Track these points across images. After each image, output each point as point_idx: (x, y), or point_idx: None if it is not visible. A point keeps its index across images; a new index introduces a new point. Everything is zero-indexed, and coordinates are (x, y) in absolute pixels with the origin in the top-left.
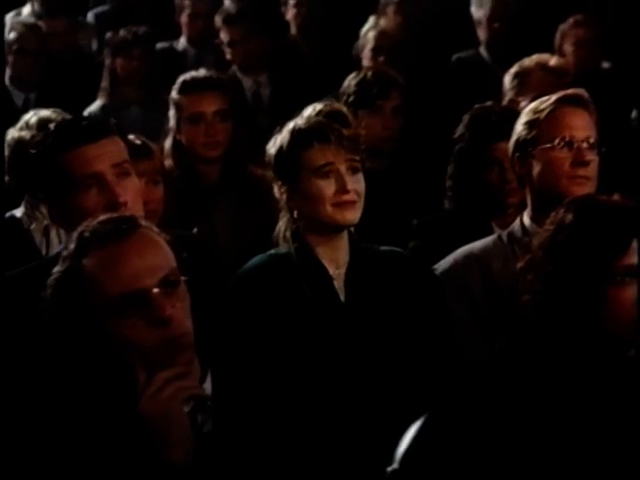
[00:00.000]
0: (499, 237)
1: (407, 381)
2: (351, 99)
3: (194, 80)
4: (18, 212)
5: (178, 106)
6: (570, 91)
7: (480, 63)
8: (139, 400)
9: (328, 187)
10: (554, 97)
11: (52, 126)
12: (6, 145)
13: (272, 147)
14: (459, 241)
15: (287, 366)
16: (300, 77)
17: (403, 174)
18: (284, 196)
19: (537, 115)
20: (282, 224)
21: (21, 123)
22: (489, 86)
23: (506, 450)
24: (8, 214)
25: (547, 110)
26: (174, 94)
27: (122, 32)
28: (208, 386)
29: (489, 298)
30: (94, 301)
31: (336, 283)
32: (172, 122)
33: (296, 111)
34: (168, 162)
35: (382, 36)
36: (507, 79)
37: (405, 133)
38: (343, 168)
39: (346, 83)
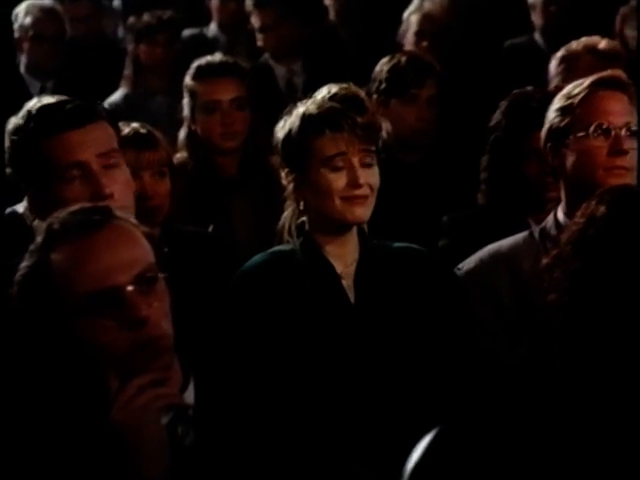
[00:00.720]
0: (530, 234)
1: (422, 393)
2: (383, 87)
3: (209, 65)
4: (20, 207)
5: (192, 93)
6: (606, 73)
7: (535, 50)
8: (111, 409)
9: (338, 180)
10: (589, 80)
11: (34, 110)
12: (6, 135)
13: (280, 130)
14: (492, 239)
15: (289, 373)
16: (338, 65)
17: (438, 169)
18: (291, 185)
19: (570, 101)
20: (287, 216)
21: (23, 111)
22: (544, 75)
23: (522, 470)
24: (9, 210)
25: (581, 95)
26: (188, 80)
27: (146, 16)
28: (190, 394)
29: (518, 301)
30: (63, 300)
31: (344, 282)
32: (186, 111)
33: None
34: (183, 154)
35: (426, 19)
36: (553, 64)
37: (441, 125)
38: (356, 160)
39: (378, 68)
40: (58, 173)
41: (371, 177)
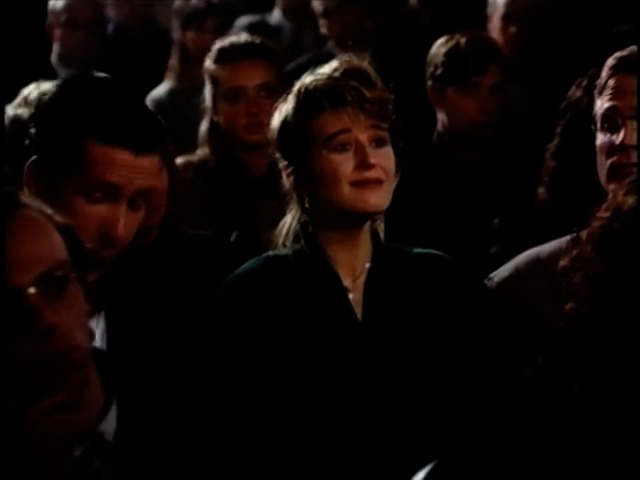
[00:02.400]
0: (576, 237)
1: (440, 430)
2: (438, 72)
3: (233, 46)
4: None
5: (214, 79)
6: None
7: None
8: (8, 436)
9: (345, 162)
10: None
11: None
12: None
13: (276, 119)
14: None
15: (282, 403)
16: (415, 56)
17: (501, 169)
18: (291, 180)
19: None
20: (289, 219)
21: (19, 99)
22: None
23: None
24: None
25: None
26: (209, 64)
27: (194, 0)
28: (112, 420)
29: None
30: None
31: (352, 296)
32: (208, 100)
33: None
34: (204, 150)
35: (515, 2)
36: None
37: (507, 118)
38: (364, 137)
39: (433, 51)
40: None
41: (385, 158)
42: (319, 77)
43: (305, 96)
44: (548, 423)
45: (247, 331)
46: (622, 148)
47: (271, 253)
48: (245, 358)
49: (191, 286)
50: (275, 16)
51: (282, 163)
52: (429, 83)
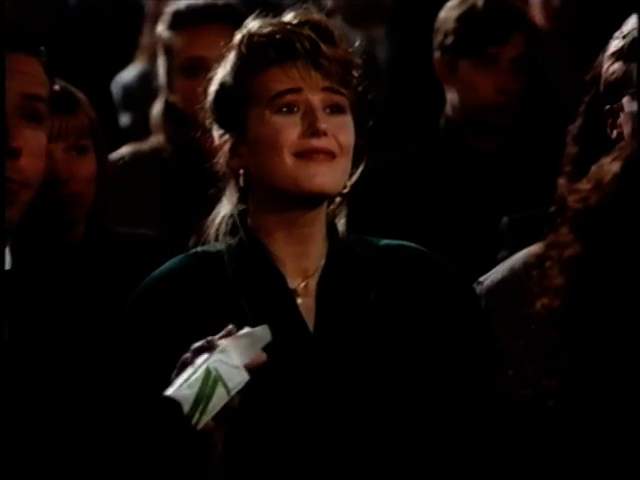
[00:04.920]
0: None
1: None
2: (448, 42)
3: (190, 9)
4: None
5: (168, 49)
6: None
7: None
8: None
9: (290, 126)
10: None
11: None
12: None
13: (214, 81)
14: None
15: None
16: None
17: (522, 160)
18: (225, 150)
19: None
20: (223, 208)
21: None
22: None
23: None
24: None
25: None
26: (161, 30)
27: None
28: None
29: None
30: None
31: (302, 301)
32: (161, 76)
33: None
34: (157, 137)
35: None
36: None
37: (531, 100)
38: (316, 100)
39: (443, 15)
40: None
41: (340, 128)
42: (266, 23)
43: (247, 46)
44: (518, 450)
45: (164, 348)
46: None
47: (199, 249)
48: (158, 376)
49: (118, 293)
50: None
51: (216, 132)
52: (437, 55)
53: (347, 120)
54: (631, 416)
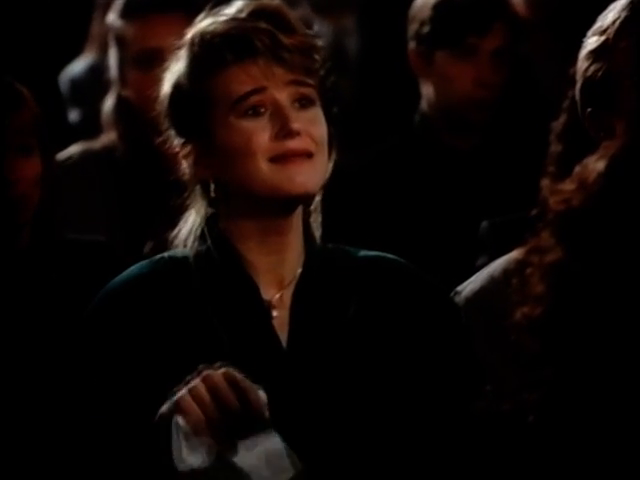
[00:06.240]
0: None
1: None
2: (424, 31)
3: None
4: None
5: (120, 40)
6: None
7: None
8: None
9: (260, 131)
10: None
11: None
12: None
13: (166, 83)
14: None
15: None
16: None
17: (504, 159)
18: (190, 160)
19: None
20: (191, 217)
21: None
22: None
23: None
24: None
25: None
26: (113, 19)
27: None
28: None
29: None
30: None
31: (276, 314)
32: (113, 68)
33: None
34: (109, 135)
35: None
36: None
37: (514, 94)
38: (283, 96)
39: (419, 2)
40: None
41: (313, 123)
42: (218, 20)
43: (201, 47)
44: (498, 467)
45: (124, 364)
46: None
47: (166, 254)
48: (121, 400)
49: (68, 302)
50: None
51: (176, 141)
52: (412, 45)
53: (317, 112)
54: (614, 431)
